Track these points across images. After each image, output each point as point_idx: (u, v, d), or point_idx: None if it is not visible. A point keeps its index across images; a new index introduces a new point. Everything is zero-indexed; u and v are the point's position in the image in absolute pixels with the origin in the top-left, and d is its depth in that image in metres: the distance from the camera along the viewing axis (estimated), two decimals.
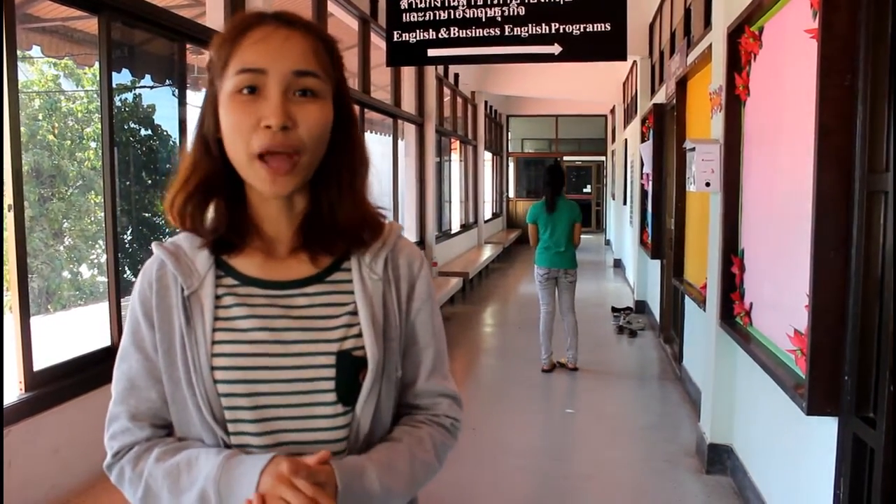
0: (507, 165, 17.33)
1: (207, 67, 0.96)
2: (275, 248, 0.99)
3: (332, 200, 0.98)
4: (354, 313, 0.98)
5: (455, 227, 10.95)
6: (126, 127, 3.84)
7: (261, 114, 0.88)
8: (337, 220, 0.98)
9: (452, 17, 4.14)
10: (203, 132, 0.96)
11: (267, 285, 0.97)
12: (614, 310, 7.68)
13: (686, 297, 4.84)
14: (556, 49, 4.07)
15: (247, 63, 0.89)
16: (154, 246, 1.00)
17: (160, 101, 3.93)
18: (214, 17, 3.75)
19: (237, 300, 0.96)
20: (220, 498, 0.88)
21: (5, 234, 2.30)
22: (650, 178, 6.43)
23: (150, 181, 3.97)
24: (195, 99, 3.65)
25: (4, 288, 2.33)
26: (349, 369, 0.95)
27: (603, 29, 4.01)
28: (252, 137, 0.89)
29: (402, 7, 4.18)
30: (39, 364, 2.39)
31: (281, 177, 0.90)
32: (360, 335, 0.97)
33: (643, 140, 7.31)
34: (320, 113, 0.92)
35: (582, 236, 5.64)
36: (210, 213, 0.98)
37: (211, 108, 0.94)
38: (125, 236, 3.64)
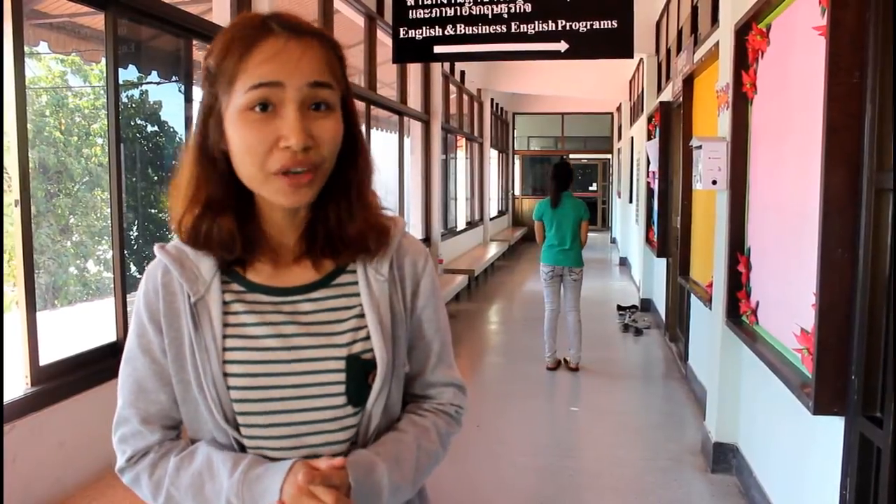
0: (513, 163, 17.32)
1: (204, 76, 0.90)
2: (280, 256, 0.98)
3: (340, 215, 0.96)
4: (361, 316, 0.98)
5: (461, 225, 10.94)
6: (132, 123, 3.84)
7: (278, 133, 0.85)
8: (346, 233, 0.96)
9: (459, 13, 4.13)
10: (206, 146, 0.91)
11: (272, 292, 0.97)
12: (620, 308, 7.66)
13: (692, 295, 4.82)
14: (562, 46, 4.06)
15: (263, 77, 0.85)
16: (157, 249, 0.97)
17: (167, 97, 3.93)
18: (221, 13, 3.76)
19: (246, 307, 0.95)
20: None
21: (11, 229, 2.31)
22: (656, 175, 6.41)
23: (156, 178, 3.98)
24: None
25: (5, 282, 2.34)
26: (358, 372, 0.96)
27: (610, 26, 4.00)
28: (269, 158, 0.86)
29: (409, 4, 4.18)
30: (45, 359, 2.40)
31: (302, 188, 0.88)
32: (367, 338, 0.97)
33: (649, 138, 7.29)
34: (335, 127, 0.90)
35: (589, 234, 5.59)
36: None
37: (215, 122, 0.90)
38: (131, 232, 3.65)
